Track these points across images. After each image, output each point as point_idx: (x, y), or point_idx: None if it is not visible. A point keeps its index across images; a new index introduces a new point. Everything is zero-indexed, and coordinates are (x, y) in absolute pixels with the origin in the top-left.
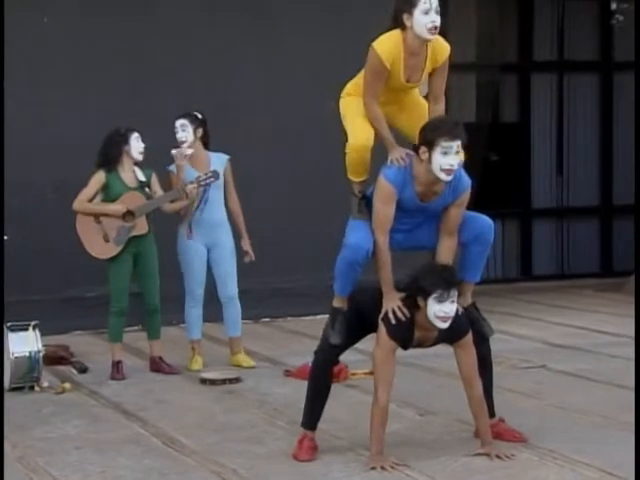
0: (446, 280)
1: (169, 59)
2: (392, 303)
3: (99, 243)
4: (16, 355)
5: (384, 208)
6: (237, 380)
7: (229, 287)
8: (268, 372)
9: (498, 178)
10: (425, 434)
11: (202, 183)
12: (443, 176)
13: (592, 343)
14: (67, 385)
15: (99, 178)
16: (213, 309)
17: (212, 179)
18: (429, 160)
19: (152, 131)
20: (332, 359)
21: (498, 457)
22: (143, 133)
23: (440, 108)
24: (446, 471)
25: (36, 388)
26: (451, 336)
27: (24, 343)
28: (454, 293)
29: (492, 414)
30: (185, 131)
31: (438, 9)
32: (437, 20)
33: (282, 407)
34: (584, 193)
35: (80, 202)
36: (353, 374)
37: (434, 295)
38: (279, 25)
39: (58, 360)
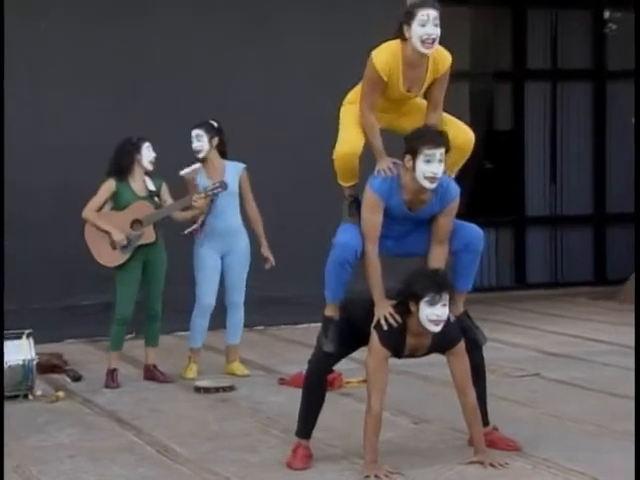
0: (437, 283)
1: (169, 60)
2: (384, 310)
3: (107, 251)
4: (10, 364)
5: (371, 217)
6: (231, 388)
7: (237, 293)
8: (262, 380)
9: (492, 186)
10: (419, 442)
11: (209, 194)
12: (427, 184)
13: (586, 351)
14: (61, 393)
15: (109, 186)
16: (211, 317)
17: (219, 189)
18: (413, 168)
19: (152, 131)
20: (326, 368)
21: (492, 465)
22: (143, 133)
23: (437, 116)
24: (440, 479)
25: (30, 397)
26: (443, 345)
27: (18, 351)
28: (445, 297)
29: (486, 422)
30: (200, 141)
31: (437, 22)
32: (434, 33)
33: (276, 415)
34: (578, 201)
35: (89, 211)
36: (347, 382)
37: (426, 298)
38: (279, 25)
39: (52, 368)
